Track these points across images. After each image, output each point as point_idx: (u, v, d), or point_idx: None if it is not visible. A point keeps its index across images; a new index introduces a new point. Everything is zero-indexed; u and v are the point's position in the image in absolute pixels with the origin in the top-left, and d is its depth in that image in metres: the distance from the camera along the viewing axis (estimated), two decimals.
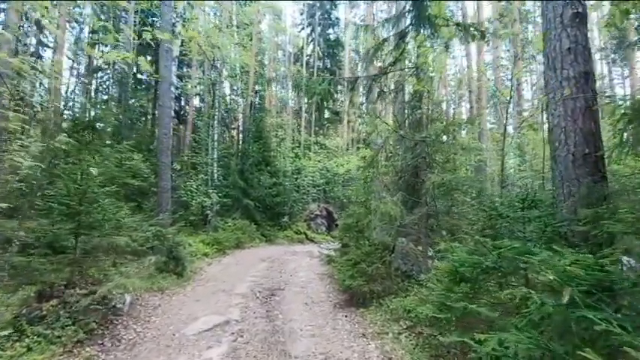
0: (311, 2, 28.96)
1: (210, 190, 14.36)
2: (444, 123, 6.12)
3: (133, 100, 18.18)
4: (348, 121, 28.62)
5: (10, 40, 5.22)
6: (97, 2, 14.65)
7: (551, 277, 2.22)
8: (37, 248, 4.60)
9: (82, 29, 19.42)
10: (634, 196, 3.58)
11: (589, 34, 4.34)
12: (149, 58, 17.92)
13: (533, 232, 3.08)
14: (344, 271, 6.36)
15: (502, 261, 3.01)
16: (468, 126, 6.22)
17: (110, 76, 19.00)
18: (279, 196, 17.51)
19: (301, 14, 30.44)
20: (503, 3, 14.33)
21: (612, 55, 23.45)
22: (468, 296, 3.43)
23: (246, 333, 4.68)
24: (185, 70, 20.61)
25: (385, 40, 6.12)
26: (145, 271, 6.32)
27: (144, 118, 19.70)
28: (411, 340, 4.32)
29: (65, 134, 5.01)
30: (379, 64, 7.26)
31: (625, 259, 2.97)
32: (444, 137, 6.03)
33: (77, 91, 20.85)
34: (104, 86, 20.29)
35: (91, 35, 18.49)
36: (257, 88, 20.65)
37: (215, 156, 16.99)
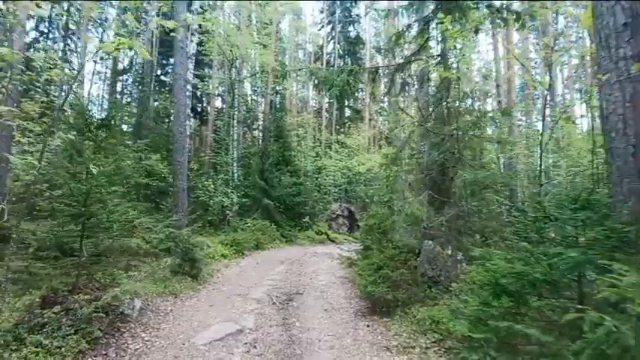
0: (331, 0, 28.57)
1: (230, 190, 14.23)
2: (476, 114, 5.55)
3: (156, 102, 18.42)
4: (370, 119, 28.04)
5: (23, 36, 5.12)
6: (119, 4, 14.89)
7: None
8: (47, 251, 4.43)
9: (104, 32, 19.84)
10: None
11: None
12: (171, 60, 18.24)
13: (594, 239, 2.56)
14: (365, 275, 5.93)
15: (555, 272, 2.52)
16: (502, 118, 5.63)
17: (133, 78, 19.32)
18: (299, 195, 17.20)
19: (321, 12, 30.12)
20: None
21: None
22: (510, 312, 2.95)
23: (260, 343, 4.35)
24: (206, 70, 20.69)
25: (409, 26, 5.65)
26: (159, 274, 6.12)
27: (167, 120, 19.94)
28: (440, 357, 3.87)
29: (77, 133, 4.79)
30: (401, 57, 6.81)
31: None
32: (476, 131, 5.48)
33: (104, 94, 21.52)
34: (128, 89, 20.70)
35: (114, 39, 18.91)
36: (277, 88, 20.47)
37: (235, 156, 16.91)
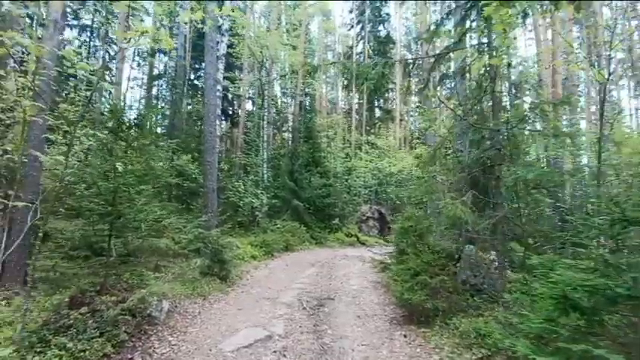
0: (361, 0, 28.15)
1: (259, 191, 14.18)
2: (530, 105, 4.99)
3: (189, 106, 18.81)
4: (400, 119, 27.33)
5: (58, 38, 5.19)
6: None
7: None
8: (77, 250, 4.40)
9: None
10: None
11: None
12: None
13: None
14: (401, 281, 5.54)
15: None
16: (553, 111, 5.04)
17: (167, 82, 19.87)
18: (329, 197, 16.90)
19: (350, 12, 29.75)
20: None
21: None
22: (580, 332, 2.51)
23: (290, 352, 4.08)
24: (236, 73, 20.95)
25: (449, 13, 5.21)
26: (188, 275, 6.02)
27: (199, 122, 20.35)
28: None
29: (109, 132, 4.76)
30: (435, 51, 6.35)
31: None
32: (526, 125, 4.93)
33: (142, 99, 22.35)
34: (162, 93, 21.34)
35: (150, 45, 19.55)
36: (307, 90, 20.36)
37: (265, 157, 16.90)
